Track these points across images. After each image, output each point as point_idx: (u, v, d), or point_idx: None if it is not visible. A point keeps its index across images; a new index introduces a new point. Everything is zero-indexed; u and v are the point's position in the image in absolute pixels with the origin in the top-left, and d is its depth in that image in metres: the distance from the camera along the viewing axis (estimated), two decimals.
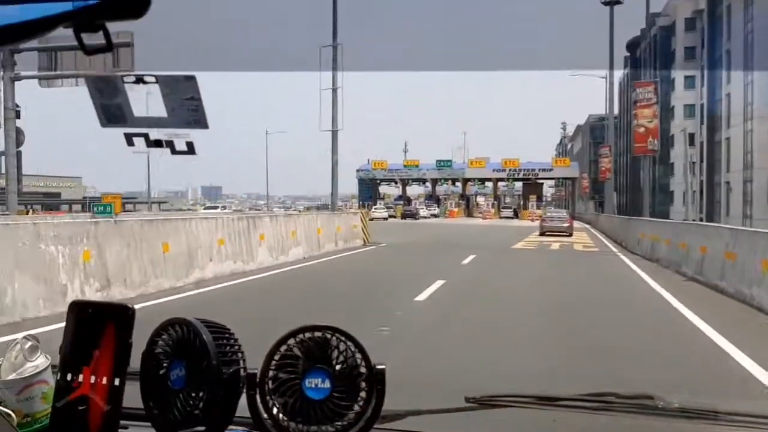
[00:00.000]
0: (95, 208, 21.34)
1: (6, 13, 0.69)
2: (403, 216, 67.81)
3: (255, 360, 1.25)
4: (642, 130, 28.72)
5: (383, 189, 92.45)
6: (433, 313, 9.22)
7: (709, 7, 52.84)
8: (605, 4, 41.93)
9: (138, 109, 1.75)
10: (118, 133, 1.87)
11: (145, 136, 1.85)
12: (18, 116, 19.94)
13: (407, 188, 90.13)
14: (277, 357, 1.22)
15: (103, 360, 1.15)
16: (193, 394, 1.20)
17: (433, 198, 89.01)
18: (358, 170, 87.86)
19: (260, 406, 1.21)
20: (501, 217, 73.45)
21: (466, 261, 17.32)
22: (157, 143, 1.89)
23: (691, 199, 34.25)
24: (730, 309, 10.05)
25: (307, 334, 1.21)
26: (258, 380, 1.21)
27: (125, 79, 1.77)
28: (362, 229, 23.58)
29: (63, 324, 1.22)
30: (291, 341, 1.22)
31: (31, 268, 8.24)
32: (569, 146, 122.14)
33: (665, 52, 63.30)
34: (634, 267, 16.69)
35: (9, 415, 1.18)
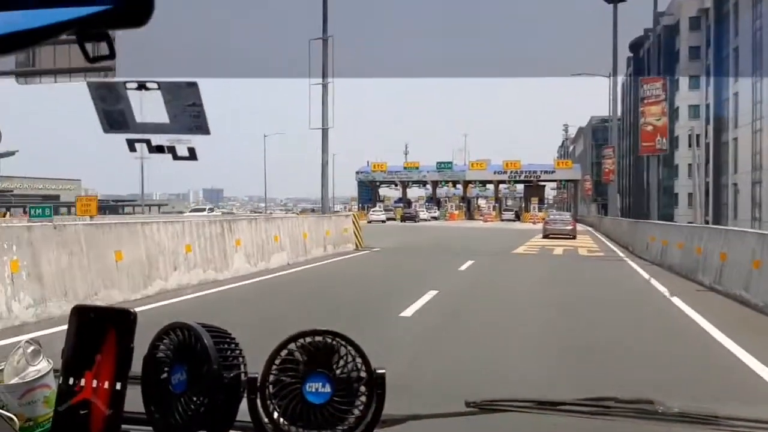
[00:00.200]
0: (31, 211, 19.64)
1: (11, 21, 0.70)
2: (403, 219, 67.18)
3: (256, 365, 1.24)
4: (650, 128, 27.27)
5: (383, 191, 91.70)
6: (418, 334, 7.91)
7: (715, 4, 51.57)
8: (608, 1, 40.76)
9: (140, 115, 1.74)
10: (119, 136, 1.83)
11: (147, 142, 1.80)
12: None
13: (408, 190, 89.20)
14: (277, 361, 1.21)
15: (105, 364, 1.16)
16: (195, 399, 1.19)
17: (433, 200, 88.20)
18: (357, 172, 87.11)
19: (261, 410, 1.21)
20: (502, 220, 72.73)
21: (463, 267, 16.04)
22: (159, 149, 1.81)
23: (699, 201, 32.91)
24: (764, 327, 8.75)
25: (308, 339, 1.21)
26: (259, 384, 1.21)
27: (128, 85, 1.72)
28: (354, 233, 22.30)
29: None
30: (291, 345, 1.21)
31: None
32: (571, 148, 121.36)
33: (669, 52, 61.97)
34: (645, 274, 15.36)
35: (11, 419, 1.19)
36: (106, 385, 1.15)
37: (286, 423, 1.19)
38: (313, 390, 1.19)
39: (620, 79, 61.66)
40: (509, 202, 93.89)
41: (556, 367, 6.34)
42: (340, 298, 11.06)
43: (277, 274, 14.16)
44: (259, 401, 1.21)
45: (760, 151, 41.57)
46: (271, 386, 1.20)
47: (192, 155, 1.80)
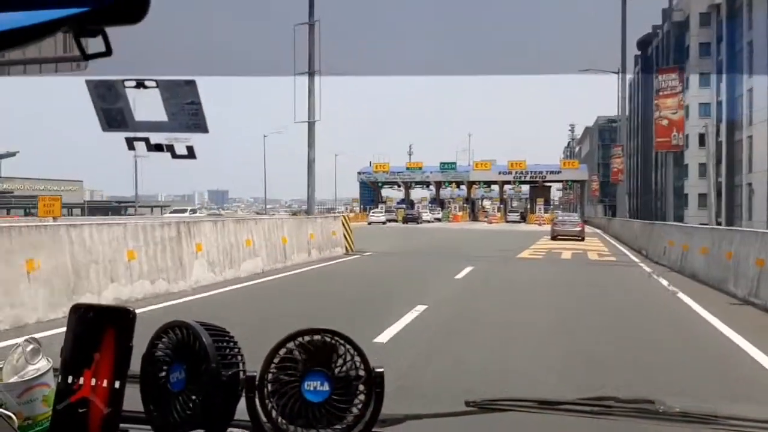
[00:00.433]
0: None
1: (5, 18, 0.70)
2: (405, 220, 65.93)
3: (254, 364, 1.23)
4: (665, 122, 25.27)
5: (386, 192, 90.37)
6: (390, 369, 6.09)
7: None
8: None
9: (139, 114, 1.74)
10: (121, 136, 1.81)
11: (146, 140, 1.77)
12: None
13: (411, 191, 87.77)
14: (276, 360, 1.21)
15: (104, 363, 1.16)
16: (193, 397, 1.19)
17: (436, 201, 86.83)
18: (359, 173, 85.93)
19: (259, 408, 1.20)
20: (507, 221, 71.45)
21: (460, 275, 14.23)
22: (158, 147, 1.78)
23: (714, 202, 31.03)
24: None
25: (306, 337, 1.21)
26: (257, 383, 1.21)
27: (126, 83, 1.69)
28: (344, 236, 20.49)
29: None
30: (290, 344, 1.21)
31: None
32: (577, 149, 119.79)
33: (678, 49, 60.12)
34: (665, 282, 13.50)
35: (10, 417, 1.19)
36: (105, 383, 1.15)
37: (284, 421, 1.18)
38: (312, 388, 1.18)
39: (628, 77, 60.00)
40: (514, 204, 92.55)
41: None
42: (303, 316, 9.18)
43: (245, 284, 12.34)
44: (257, 400, 1.20)
45: None
46: (269, 384, 1.20)
47: (191, 154, 1.78)
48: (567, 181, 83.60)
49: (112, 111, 1.71)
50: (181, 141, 1.75)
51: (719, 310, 9.91)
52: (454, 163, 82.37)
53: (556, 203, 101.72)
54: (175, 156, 1.76)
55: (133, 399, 1.20)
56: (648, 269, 16.37)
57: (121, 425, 1.16)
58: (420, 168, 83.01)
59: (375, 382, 1.19)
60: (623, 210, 43.23)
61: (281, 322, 8.78)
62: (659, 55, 67.54)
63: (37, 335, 1.29)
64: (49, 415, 1.21)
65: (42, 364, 1.26)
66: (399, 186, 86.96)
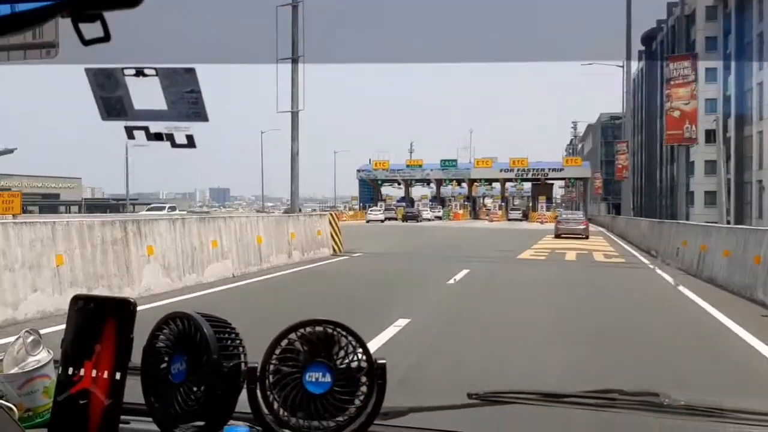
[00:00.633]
0: None
1: (3, 4, 0.70)
2: (404, 218, 64.77)
3: (256, 355, 1.20)
4: (677, 113, 23.67)
5: (386, 190, 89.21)
6: None
7: None
8: None
9: (138, 102, 1.68)
10: (120, 136, 1.77)
11: (146, 129, 1.72)
12: None
13: (411, 189, 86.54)
14: (277, 351, 1.19)
15: (105, 354, 1.14)
16: (194, 389, 1.17)
17: (437, 199, 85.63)
18: (358, 170, 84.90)
19: (261, 400, 1.18)
20: (509, 220, 70.21)
21: (453, 280, 12.74)
22: (158, 136, 1.74)
23: (726, 199, 29.51)
24: None
25: (308, 329, 1.19)
26: (258, 374, 1.19)
27: (125, 71, 1.65)
28: (332, 236, 19.00)
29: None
30: (292, 335, 1.19)
31: None
32: (580, 146, 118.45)
33: (684, 44, 58.56)
34: (688, 293, 11.97)
35: (11, 409, 1.17)
36: (106, 375, 1.13)
37: (286, 413, 1.17)
38: (314, 380, 1.16)
39: (632, 72, 58.59)
40: (516, 201, 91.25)
41: None
42: (262, 332, 7.70)
43: (206, 291, 10.82)
44: (259, 391, 1.18)
45: None
46: (271, 376, 1.18)
47: (190, 142, 1.75)
48: (569, 178, 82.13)
49: (112, 99, 1.68)
50: (180, 130, 1.71)
51: (750, 322, 8.52)
52: (455, 161, 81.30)
53: (559, 201, 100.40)
54: (174, 145, 1.73)
55: (134, 390, 1.17)
56: (668, 277, 14.68)
57: (122, 417, 1.14)
58: (420, 165, 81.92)
59: (377, 374, 1.16)
60: (627, 208, 41.80)
61: None
62: (664, 50, 66.20)
63: None
64: (50, 407, 1.19)
65: (42, 356, 1.25)
66: (399, 184, 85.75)
